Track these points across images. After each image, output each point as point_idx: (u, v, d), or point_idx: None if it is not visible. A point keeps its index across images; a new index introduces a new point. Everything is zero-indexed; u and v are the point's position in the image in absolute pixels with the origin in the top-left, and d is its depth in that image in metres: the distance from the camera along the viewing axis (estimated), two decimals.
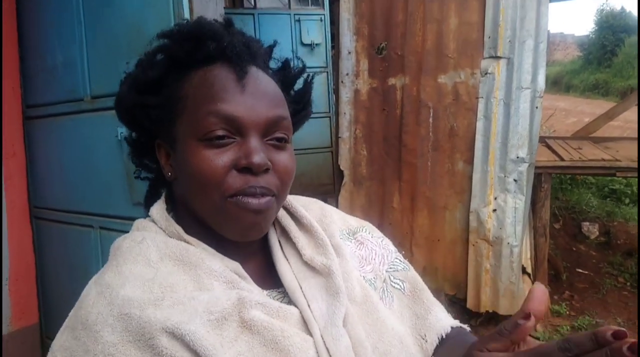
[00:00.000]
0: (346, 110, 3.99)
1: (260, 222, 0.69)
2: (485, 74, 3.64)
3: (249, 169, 0.66)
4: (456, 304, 3.88)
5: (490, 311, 3.75)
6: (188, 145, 0.67)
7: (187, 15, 1.71)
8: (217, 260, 0.70)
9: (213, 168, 0.65)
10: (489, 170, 3.65)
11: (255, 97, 0.68)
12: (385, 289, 0.81)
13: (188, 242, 0.71)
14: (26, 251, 2.38)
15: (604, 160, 4.02)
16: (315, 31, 5.71)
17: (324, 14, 5.82)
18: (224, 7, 5.58)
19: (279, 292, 0.74)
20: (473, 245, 3.78)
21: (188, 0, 1.76)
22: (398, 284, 0.82)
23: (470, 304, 3.80)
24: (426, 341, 0.76)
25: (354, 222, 0.91)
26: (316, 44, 5.71)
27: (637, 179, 6.70)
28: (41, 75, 2.31)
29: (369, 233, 0.89)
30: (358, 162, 3.94)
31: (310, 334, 0.67)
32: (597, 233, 5.96)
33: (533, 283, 4.03)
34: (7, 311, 2.21)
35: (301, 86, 0.83)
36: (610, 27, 19.63)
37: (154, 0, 1.81)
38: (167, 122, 0.72)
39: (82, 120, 2.09)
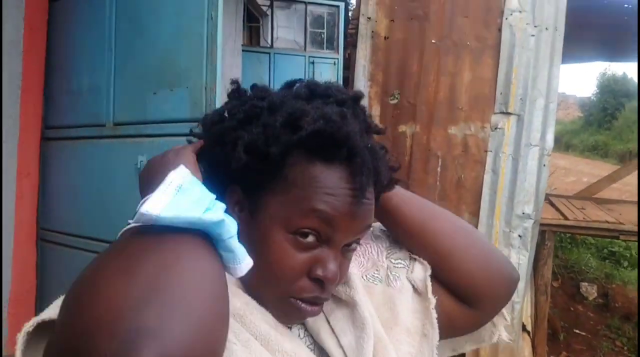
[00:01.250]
0: None
1: (303, 320, 0.73)
2: (495, 128, 3.69)
3: (320, 280, 0.66)
4: None
5: None
6: (274, 230, 0.65)
7: (219, 52, 1.74)
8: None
9: (292, 268, 0.65)
10: (494, 224, 3.65)
11: (361, 211, 0.66)
12: (389, 274, 0.83)
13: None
14: (29, 272, 2.34)
15: (607, 222, 4.04)
16: (328, 73, 5.84)
17: (337, 58, 5.96)
18: (242, 44, 5.72)
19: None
20: None
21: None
22: (401, 263, 0.84)
23: None
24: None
25: None
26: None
27: (637, 243, 6.71)
28: (65, 98, 2.33)
29: None
30: None
31: None
32: (596, 294, 5.92)
33: (533, 341, 3.97)
34: (5, 332, 2.16)
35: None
36: (612, 91, 20.13)
37: (187, 33, 1.85)
38: (257, 185, 0.67)
39: (102, 145, 2.11)
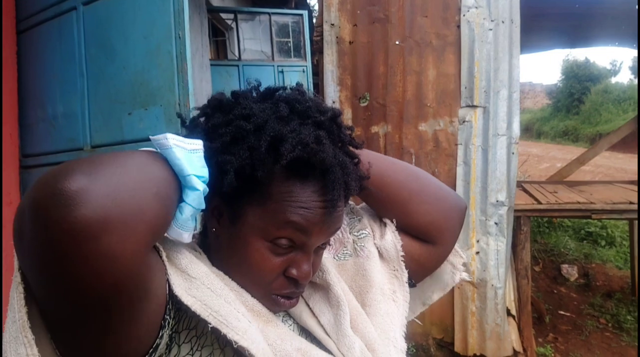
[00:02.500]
0: None
1: (282, 311, 0.80)
2: (463, 122, 3.82)
3: (295, 280, 0.74)
4: (444, 347, 3.90)
5: (478, 354, 3.77)
6: (253, 238, 0.71)
7: (189, 67, 1.81)
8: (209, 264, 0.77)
9: (269, 270, 0.73)
10: (470, 214, 3.77)
11: (332, 220, 0.73)
12: (356, 246, 0.91)
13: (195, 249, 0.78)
14: None
15: (579, 203, 4.17)
16: (298, 81, 5.90)
17: (306, 66, 6.04)
18: (210, 59, 5.77)
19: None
20: (458, 288, 3.84)
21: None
22: (363, 233, 0.93)
23: (457, 347, 3.82)
24: (396, 270, 0.90)
25: None
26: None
27: (611, 222, 6.92)
28: (40, 125, 2.37)
29: None
30: None
31: (327, 350, 0.77)
32: (577, 275, 6.08)
33: (519, 325, 4.09)
34: None
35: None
36: (576, 76, 20.61)
37: (157, 54, 1.91)
38: (236, 198, 0.72)
39: None
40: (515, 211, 3.99)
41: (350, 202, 0.98)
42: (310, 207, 0.70)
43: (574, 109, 20.00)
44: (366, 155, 0.88)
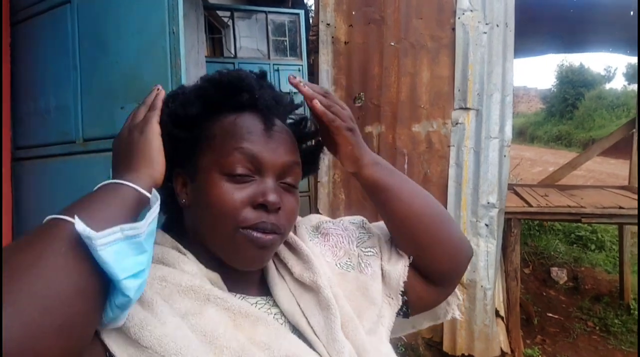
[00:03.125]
0: (325, 156, 4.11)
1: (263, 256, 0.79)
2: (456, 124, 3.84)
3: (264, 206, 0.74)
4: (433, 347, 3.92)
5: (466, 354, 3.80)
6: (210, 177, 0.75)
7: (183, 63, 1.82)
8: (195, 266, 0.77)
9: (232, 200, 0.73)
10: (461, 215, 3.79)
11: (276, 142, 0.78)
12: (361, 261, 0.92)
13: (180, 251, 0.78)
14: None
15: (569, 206, 4.21)
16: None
17: (302, 65, 6.05)
18: (206, 56, 5.77)
19: (261, 298, 0.83)
20: None
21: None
22: (371, 251, 0.93)
23: (446, 347, 3.85)
24: (392, 298, 0.90)
25: (314, 218, 1.01)
26: (294, 93, 5.87)
27: (602, 226, 6.97)
28: (33, 118, 2.36)
29: (328, 222, 0.99)
30: (336, 206, 4.04)
31: (314, 350, 0.76)
32: (566, 278, 6.13)
33: (507, 326, 4.12)
34: None
35: (313, 145, 0.95)
36: (571, 81, 20.69)
37: (151, 49, 1.92)
38: (191, 156, 0.79)
39: (73, 162, 2.15)
40: (506, 213, 4.01)
41: (364, 219, 1.00)
42: (251, 131, 0.76)
43: (567, 114, 20.11)
44: (407, 181, 0.92)
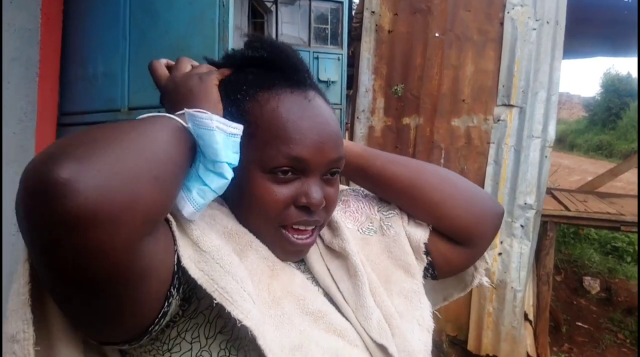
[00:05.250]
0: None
1: (301, 254, 0.80)
2: (498, 120, 3.76)
3: (306, 207, 0.73)
4: (457, 345, 3.87)
5: (491, 354, 3.74)
6: (252, 173, 0.71)
7: (231, 36, 1.82)
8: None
9: (275, 201, 0.71)
10: None
11: (323, 136, 0.72)
12: (382, 224, 0.90)
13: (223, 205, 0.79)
14: None
15: (609, 213, 4.09)
16: (332, 69, 5.90)
17: (341, 54, 6.02)
18: None
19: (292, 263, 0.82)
20: (477, 287, 3.79)
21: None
22: (391, 213, 0.92)
23: (471, 346, 3.79)
24: (416, 258, 0.88)
25: None
26: (332, 82, 5.89)
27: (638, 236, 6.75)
28: (80, 85, 2.41)
29: (348, 190, 0.99)
30: None
31: (343, 314, 0.76)
32: (598, 288, 5.96)
33: (535, 331, 4.03)
34: None
35: None
36: (616, 90, 20.08)
37: (200, 20, 1.93)
38: None
39: None
40: (543, 215, 3.92)
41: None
42: (299, 128, 0.70)
43: (610, 123, 19.52)
44: (396, 158, 0.91)
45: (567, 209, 4.19)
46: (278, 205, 0.71)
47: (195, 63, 0.82)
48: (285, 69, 0.73)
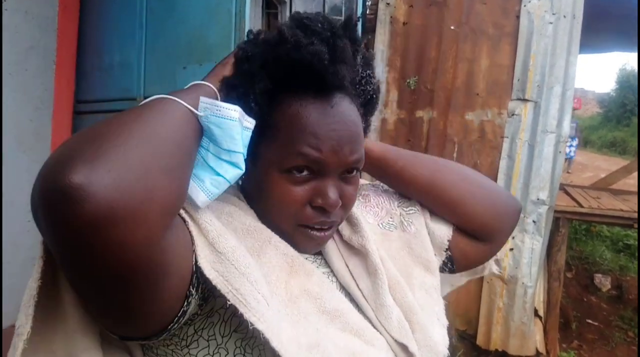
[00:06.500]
0: (372, 138, 4.08)
1: (319, 247, 0.80)
2: (512, 115, 3.73)
3: (322, 208, 0.73)
4: (466, 339, 3.87)
5: (500, 349, 3.73)
6: (270, 173, 0.72)
7: (247, 26, 1.82)
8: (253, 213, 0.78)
9: (292, 200, 0.71)
10: None
11: (342, 141, 0.71)
12: (403, 220, 0.90)
13: (241, 200, 0.79)
14: None
15: (622, 210, 4.05)
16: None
17: None
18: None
19: (310, 256, 0.81)
20: (487, 282, 3.80)
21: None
22: (412, 209, 0.92)
23: (480, 341, 3.79)
24: (435, 255, 0.88)
25: None
26: None
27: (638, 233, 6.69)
28: (96, 73, 2.43)
29: (368, 185, 0.98)
30: None
31: (363, 312, 0.77)
32: (609, 286, 5.92)
33: (544, 327, 4.02)
34: None
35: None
36: (631, 87, 19.84)
37: (216, 10, 1.93)
38: (255, 141, 0.72)
39: None
40: (555, 211, 3.90)
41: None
42: (317, 132, 0.69)
43: (624, 120, 19.31)
44: (416, 159, 0.91)
45: (580, 205, 4.16)
46: (295, 204, 0.72)
47: None
48: (313, 73, 0.69)
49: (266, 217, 0.75)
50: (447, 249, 0.89)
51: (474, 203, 0.89)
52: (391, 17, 3.89)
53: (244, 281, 0.61)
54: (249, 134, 0.66)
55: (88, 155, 0.47)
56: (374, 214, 0.91)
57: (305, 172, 0.71)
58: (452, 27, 3.80)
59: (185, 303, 0.61)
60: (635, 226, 4.02)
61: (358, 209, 0.88)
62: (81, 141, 0.50)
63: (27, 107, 2.31)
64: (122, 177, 0.48)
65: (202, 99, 0.62)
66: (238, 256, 0.63)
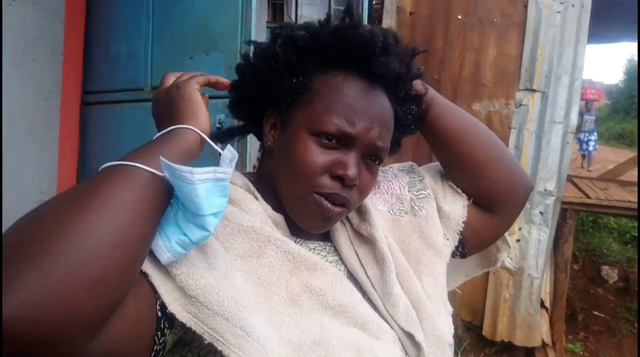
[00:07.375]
0: None
1: (325, 226, 0.79)
2: (520, 105, 3.71)
3: (341, 178, 0.73)
4: (472, 330, 3.88)
5: (506, 340, 3.74)
6: (300, 133, 0.73)
7: (254, 16, 1.82)
8: (261, 205, 0.77)
9: (314, 163, 0.72)
10: None
11: (374, 121, 0.74)
12: (414, 205, 0.91)
13: (249, 190, 0.79)
14: None
15: (630, 202, 4.03)
16: None
17: None
18: (267, 21, 5.77)
19: (319, 244, 0.82)
20: (493, 273, 3.79)
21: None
22: (423, 193, 0.92)
23: (486, 331, 3.80)
24: (448, 239, 0.89)
25: None
26: None
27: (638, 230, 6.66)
28: (103, 64, 2.43)
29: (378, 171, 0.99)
30: None
31: (371, 301, 0.77)
32: (616, 278, 5.91)
33: (551, 318, 4.02)
34: None
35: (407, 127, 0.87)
36: None
37: (224, 1, 1.92)
38: (289, 103, 0.76)
39: (140, 109, 2.20)
40: (563, 203, 3.88)
41: (413, 163, 0.99)
42: (354, 106, 0.72)
43: (632, 111, 19.10)
44: (453, 109, 0.90)
45: (587, 196, 4.14)
46: (315, 167, 0.72)
47: (189, 75, 0.78)
48: (365, 55, 0.73)
49: (284, 181, 0.76)
50: (460, 231, 0.89)
51: (496, 168, 0.89)
52: (398, 6, 3.86)
53: (219, 319, 0.61)
54: (225, 184, 0.61)
55: (6, 281, 0.44)
56: (384, 200, 0.91)
57: (333, 141, 0.72)
58: (459, 17, 3.77)
59: (154, 349, 0.61)
60: None
61: (368, 197, 0.88)
62: (6, 254, 0.46)
63: (36, 97, 2.33)
64: (38, 304, 0.45)
65: (162, 159, 0.57)
66: (211, 294, 0.62)
